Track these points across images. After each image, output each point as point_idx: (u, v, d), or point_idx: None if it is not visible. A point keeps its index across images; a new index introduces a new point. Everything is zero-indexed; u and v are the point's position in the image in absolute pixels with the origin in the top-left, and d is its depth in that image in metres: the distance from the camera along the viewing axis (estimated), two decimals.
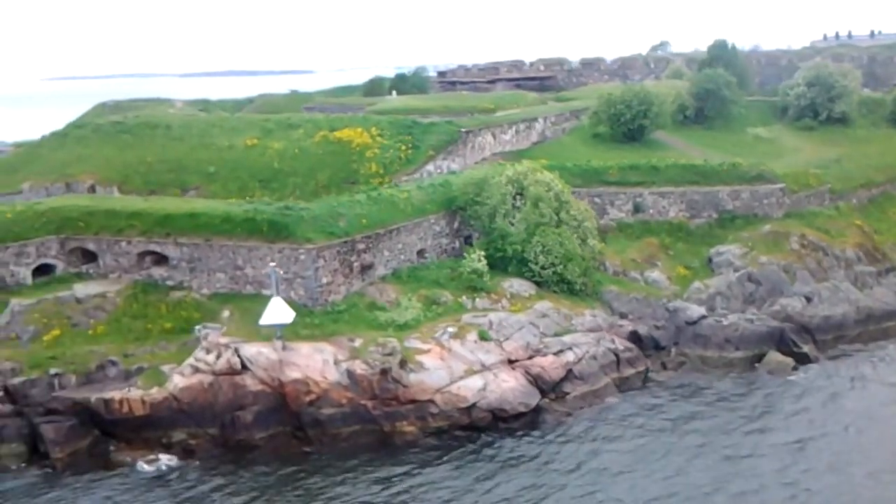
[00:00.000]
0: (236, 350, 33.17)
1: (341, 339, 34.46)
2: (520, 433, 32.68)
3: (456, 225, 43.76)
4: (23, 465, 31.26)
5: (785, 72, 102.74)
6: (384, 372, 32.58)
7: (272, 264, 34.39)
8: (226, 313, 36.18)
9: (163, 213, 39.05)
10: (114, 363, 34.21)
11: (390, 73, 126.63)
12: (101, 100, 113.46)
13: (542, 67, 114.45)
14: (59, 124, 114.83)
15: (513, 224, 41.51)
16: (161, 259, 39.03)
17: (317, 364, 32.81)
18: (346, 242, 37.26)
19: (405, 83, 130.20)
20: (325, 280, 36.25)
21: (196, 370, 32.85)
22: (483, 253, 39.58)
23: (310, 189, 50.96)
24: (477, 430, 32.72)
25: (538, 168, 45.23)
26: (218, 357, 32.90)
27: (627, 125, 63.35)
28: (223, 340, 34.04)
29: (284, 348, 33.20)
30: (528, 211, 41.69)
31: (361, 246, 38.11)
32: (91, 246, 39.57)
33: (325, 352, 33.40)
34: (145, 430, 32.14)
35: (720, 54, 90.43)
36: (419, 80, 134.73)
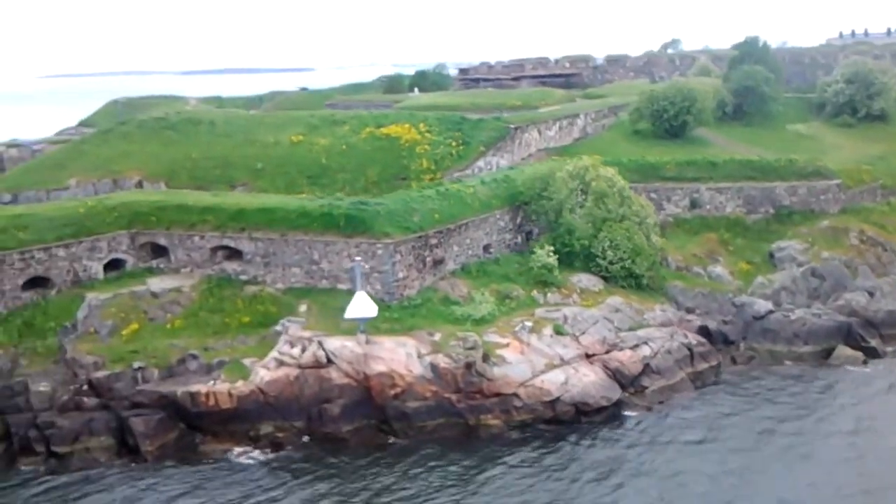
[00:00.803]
0: (320, 343, 33.34)
1: (420, 334, 34.60)
2: (602, 427, 32.80)
3: (518, 220, 43.86)
4: (113, 458, 31.41)
5: (808, 69, 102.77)
6: (469, 366, 32.72)
7: (357, 259, 34.54)
8: (303, 307, 36.33)
9: (236, 207, 39.21)
10: (194, 357, 34.35)
11: (389, 71, 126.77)
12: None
13: (567, 64, 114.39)
14: (63, 121, 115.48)
15: (577, 219, 41.60)
16: (233, 254, 39.19)
17: (401, 358, 32.94)
18: (420, 237, 37.40)
19: (425, 80, 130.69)
20: (401, 274, 36.39)
21: (281, 363, 33.00)
22: (552, 248, 39.69)
23: (360, 185, 51.07)
24: (559, 423, 32.86)
25: (598, 163, 45.33)
26: (303, 350, 33.05)
27: (670, 121, 63.24)
28: (305, 334, 34.22)
29: (368, 342, 33.35)
30: (593, 206, 41.80)
31: (434, 241, 38.23)
32: (162, 241, 39.75)
33: (408, 345, 33.53)
34: (232, 423, 32.26)
35: (751, 51, 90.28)
36: (439, 78, 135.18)
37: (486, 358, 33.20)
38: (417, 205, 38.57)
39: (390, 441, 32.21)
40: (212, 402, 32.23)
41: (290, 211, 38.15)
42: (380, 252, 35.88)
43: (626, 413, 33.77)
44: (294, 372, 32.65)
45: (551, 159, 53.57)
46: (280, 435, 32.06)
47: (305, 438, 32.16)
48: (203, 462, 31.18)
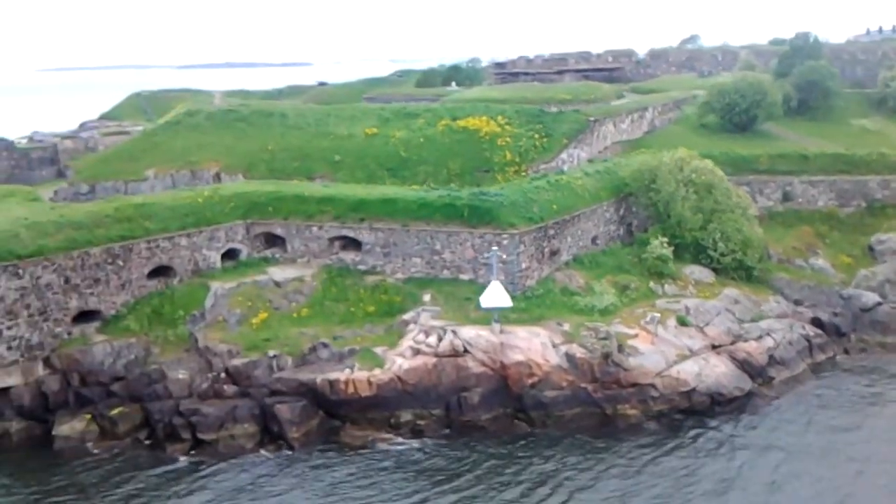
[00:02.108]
0: (454, 332, 33.60)
1: (549, 324, 34.85)
2: (736, 417, 33.01)
3: (622, 212, 44.08)
4: (258, 445, 31.68)
5: (847, 65, 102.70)
6: (606, 356, 32.96)
7: (494, 248, 34.76)
8: (426, 297, 36.58)
9: (355, 198, 39.44)
10: (325, 345, 34.61)
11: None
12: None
13: (610, 59, 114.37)
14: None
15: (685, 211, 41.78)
16: (349, 243, 39.47)
17: (536, 347, 33.19)
18: (540, 228, 37.61)
19: (459, 74, 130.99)
20: (524, 265, 36.61)
21: (417, 352, 33.25)
22: (665, 239, 39.90)
23: (442, 177, 51.29)
24: (694, 413, 33.10)
25: (695, 156, 45.51)
26: (439, 339, 33.30)
27: (741, 115, 63.45)
28: (436, 323, 34.49)
29: (502, 331, 33.61)
30: (701, 198, 41.99)
31: (552, 232, 38.45)
32: (279, 231, 40.01)
33: (541, 335, 33.79)
34: (371, 410, 32.51)
35: (802, 46, 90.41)
36: (472, 72, 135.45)
37: (620, 348, 33.43)
38: (535, 195, 38.76)
39: (528, 430, 32.47)
40: (351, 389, 32.49)
41: (410, 201, 38.37)
42: (505, 242, 36.09)
43: (757, 403, 34.00)
44: (431, 360, 32.90)
45: (640, 152, 53.56)
46: (420, 423, 32.31)
47: (444, 426, 32.45)
48: (347, 449, 31.43)
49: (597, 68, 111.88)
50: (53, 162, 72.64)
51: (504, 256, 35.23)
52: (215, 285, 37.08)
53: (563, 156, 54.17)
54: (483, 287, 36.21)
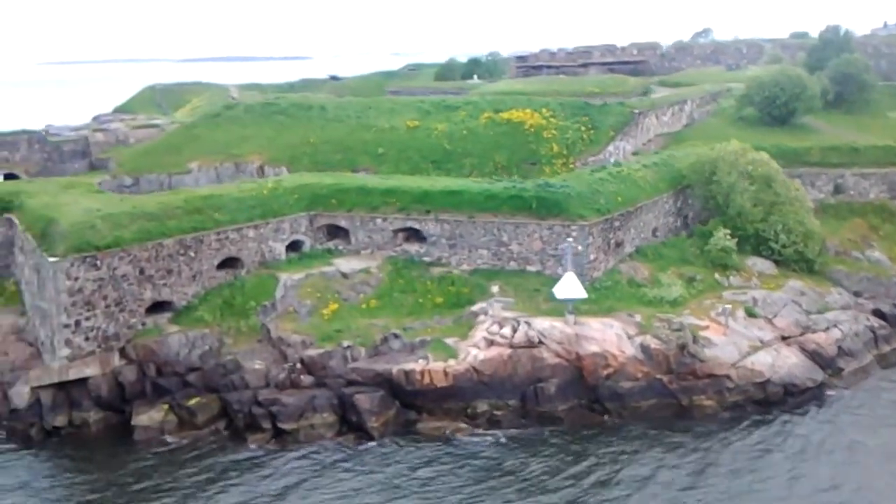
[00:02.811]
0: (528, 324, 33.74)
1: (621, 315, 34.97)
2: (810, 408, 33.13)
3: (679, 204, 44.13)
4: (337, 434, 31.85)
5: (871, 58, 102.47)
6: (682, 347, 33.08)
7: (569, 240, 34.86)
8: (494, 289, 36.69)
9: (419, 190, 39.54)
10: (396, 336, 34.73)
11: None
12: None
13: (635, 52, 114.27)
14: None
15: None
16: (412, 235, 39.60)
17: (611, 338, 33.31)
18: (607, 220, 37.71)
19: (479, 67, 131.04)
20: (592, 256, 36.71)
21: (491, 343, 33.39)
22: (728, 231, 39.97)
23: (488, 170, 51.36)
24: (769, 404, 33.20)
25: (749, 148, 45.52)
26: (514, 331, 33.44)
27: (780, 108, 63.33)
28: (508, 314, 34.62)
29: (576, 323, 33.73)
30: (759, 190, 42.05)
31: (617, 223, 38.55)
32: (343, 222, 40.14)
33: (615, 327, 33.91)
34: (446, 401, 32.65)
35: (832, 39, 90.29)
36: (493, 65, 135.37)
37: (695, 339, 33.54)
38: (600, 187, 38.83)
39: (603, 420, 32.62)
40: (427, 380, 32.64)
41: (476, 193, 38.46)
42: (574, 234, 36.18)
43: (828, 394, 34.11)
44: (506, 351, 33.03)
45: (691, 144, 53.73)
46: (497, 413, 32.45)
47: (520, 417, 32.58)
48: (425, 439, 31.61)
49: (622, 61, 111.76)
50: (85, 154, 72.58)
51: (579, 248, 35.29)
52: (284, 276, 37.25)
53: (610, 148, 54.22)
54: (551, 279, 36.50)
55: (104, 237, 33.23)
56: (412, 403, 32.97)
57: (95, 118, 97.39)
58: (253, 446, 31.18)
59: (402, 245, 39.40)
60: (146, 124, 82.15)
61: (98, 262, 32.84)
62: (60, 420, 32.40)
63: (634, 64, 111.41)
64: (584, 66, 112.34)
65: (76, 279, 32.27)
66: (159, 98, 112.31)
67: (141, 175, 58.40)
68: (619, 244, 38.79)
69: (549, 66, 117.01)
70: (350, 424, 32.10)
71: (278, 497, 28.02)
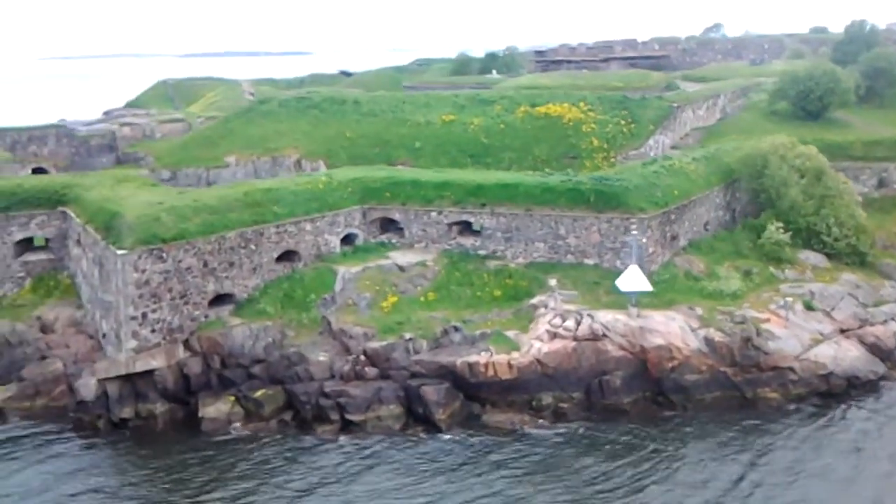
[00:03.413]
0: (591, 316, 33.83)
1: (682, 308, 35.05)
2: (873, 400, 33.19)
3: (728, 197, 44.17)
4: (404, 426, 31.99)
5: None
6: (747, 340, 33.16)
7: (634, 233, 34.94)
8: (552, 282, 36.75)
9: (474, 183, 39.60)
10: (457, 329, 34.81)
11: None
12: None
13: (656, 46, 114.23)
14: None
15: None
16: (465, 228, 39.70)
17: (675, 331, 33.40)
18: (665, 213, 37.76)
19: (496, 62, 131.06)
20: (650, 249, 36.78)
21: (554, 335, 33.49)
22: (782, 225, 40.00)
23: (527, 164, 51.51)
24: (832, 396, 33.27)
25: (796, 142, 45.53)
26: (577, 323, 33.54)
27: (814, 102, 63.28)
28: (569, 307, 34.71)
29: (639, 315, 33.82)
30: (809, 183, 42.08)
31: (673, 216, 38.60)
32: (396, 216, 40.24)
33: (678, 319, 34.00)
34: (511, 393, 32.78)
35: (858, 34, 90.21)
36: (510, 60, 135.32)
37: (758, 332, 33.61)
38: (655, 180, 38.87)
39: (668, 413, 32.71)
40: (491, 372, 32.75)
41: (532, 186, 38.54)
42: (634, 227, 36.25)
43: (889, 386, 34.18)
44: (570, 344, 33.14)
45: (733, 138, 53.73)
46: (563, 406, 32.57)
47: (585, 410, 32.67)
48: (492, 431, 31.71)
49: (643, 56, 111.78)
50: (112, 149, 72.88)
51: (644, 240, 35.38)
52: (342, 269, 37.37)
53: (650, 142, 54.32)
54: (609, 272, 36.65)
55: (169, 230, 33.37)
56: (475, 396, 33.09)
57: (107, 113, 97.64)
58: (321, 437, 31.36)
59: (456, 238, 39.48)
60: (172, 119, 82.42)
61: (164, 255, 32.99)
62: (127, 412, 32.59)
63: (656, 59, 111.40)
64: (606, 60, 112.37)
65: (143, 271, 32.43)
66: (171, 93, 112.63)
67: (178, 169, 58.70)
68: (674, 237, 38.86)
69: (568, 61, 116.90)
70: (416, 416, 32.25)
71: (349, 487, 28.15)
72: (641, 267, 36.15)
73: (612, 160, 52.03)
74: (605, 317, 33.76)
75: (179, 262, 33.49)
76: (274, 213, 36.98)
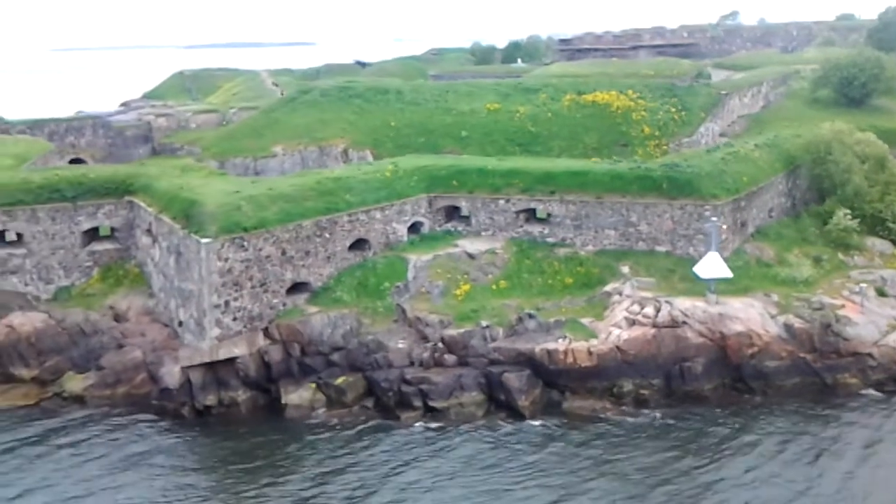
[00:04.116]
0: (669, 303, 33.88)
1: (758, 294, 35.07)
2: None
3: (789, 184, 44.07)
4: (486, 413, 32.19)
5: None
6: (826, 326, 33.17)
7: (713, 219, 34.90)
8: (625, 269, 36.81)
9: (541, 171, 39.62)
10: (531, 316, 34.92)
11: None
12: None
13: (685, 34, 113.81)
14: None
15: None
16: (532, 216, 39.75)
17: (755, 318, 33.44)
18: (736, 199, 37.72)
19: (518, 51, 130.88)
20: (723, 236, 36.75)
21: (633, 323, 33.58)
22: (849, 212, 39.92)
23: (577, 152, 51.47)
24: None
25: (853, 129, 45.37)
26: (657, 311, 33.60)
27: (858, 89, 63.03)
28: (646, 294, 34.77)
29: (717, 302, 33.85)
30: (872, 170, 41.98)
31: (743, 203, 38.55)
32: (463, 204, 40.31)
33: (756, 306, 34.03)
34: (590, 380, 32.91)
35: (893, 21, 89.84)
36: (532, 48, 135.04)
37: (837, 318, 33.62)
38: (724, 167, 38.78)
39: (749, 399, 32.78)
40: (570, 359, 32.88)
41: (601, 174, 38.52)
42: (707, 213, 36.21)
43: None
44: (650, 331, 33.22)
45: (784, 126, 53.58)
46: (643, 392, 32.67)
47: (666, 396, 32.77)
48: (573, 418, 31.86)
49: (671, 44, 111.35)
50: (147, 139, 73.11)
51: (724, 227, 35.37)
52: (413, 258, 37.47)
53: (701, 129, 54.24)
54: (682, 259, 36.73)
55: (249, 218, 33.54)
56: (554, 383, 33.24)
57: (124, 104, 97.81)
58: (405, 424, 31.58)
59: (523, 226, 39.52)
60: (206, 109, 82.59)
61: (245, 244, 33.17)
62: (211, 399, 32.85)
63: (685, 46, 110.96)
64: (634, 48, 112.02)
65: (226, 260, 32.62)
66: (189, 83, 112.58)
67: (225, 159, 58.73)
68: (743, 224, 38.82)
69: (595, 49, 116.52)
70: (498, 403, 32.44)
71: (437, 473, 28.39)
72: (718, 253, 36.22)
73: (665, 148, 51.96)
74: (684, 304, 33.81)
75: (259, 250, 33.65)
76: (346, 201, 37.08)
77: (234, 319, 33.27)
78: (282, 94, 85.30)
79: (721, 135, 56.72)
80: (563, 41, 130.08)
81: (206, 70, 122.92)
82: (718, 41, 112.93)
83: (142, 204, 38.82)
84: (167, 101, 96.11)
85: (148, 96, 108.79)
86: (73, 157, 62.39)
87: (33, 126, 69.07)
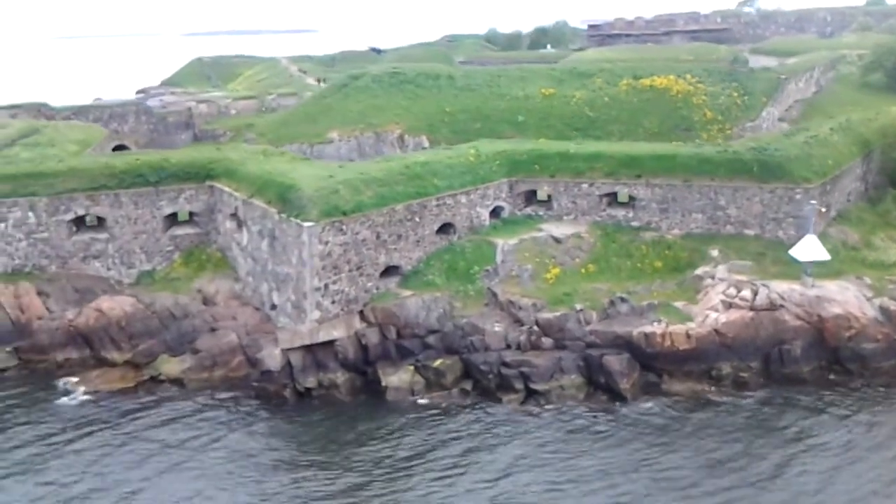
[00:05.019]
0: (766, 286, 33.91)
1: (850, 277, 35.10)
2: None
3: (864, 168, 43.99)
4: (587, 396, 32.35)
5: None
6: None
7: (812, 202, 34.89)
8: (714, 253, 36.85)
9: (626, 154, 39.62)
10: (623, 300, 34.99)
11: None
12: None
13: (718, 20, 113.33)
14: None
15: None
16: (614, 200, 39.77)
17: (851, 300, 33.47)
18: (824, 183, 37.68)
19: (546, 37, 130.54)
20: (813, 219, 36.72)
21: (730, 306, 33.63)
22: None
23: (638, 136, 51.29)
24: None
25: None
26: (754, 294, 33.65)
27: None
28: (741, 278, 34.81)
29: (813, 285, 33.89)
30: None
31: (828, 187, 38.52)
32: (545, 188, 40.33)
33: (851, 289, 34.05)
34: (687, 363, 33.00)
35: None
36: (559, 34, 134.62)
37: None
38: (809, 150, 38.71)
39: (846, 381, 32.84)
40: (668, 342, 32.97)
41: (688, 157, 38.50)
42: (798, 197, 36.24)
43: None
44: (748, 314, 33.28)
45: (849, 110, 53.39)
46: (742, 375, 32.75)
47: (763, 379, 32.85)
48: (675, 399, 31.98)
49: (705, 29, 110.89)
50: (188, 126, 73.29)
51: (823, 210, 35.36)
52: (499, 242, 37.56)
53: (763, 114, 54.06)
54: (772, 242, 36.79)
55: (347, 202, 33.64)
56: (650, 366, 33.33)
57: (142, 91, 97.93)
58: (507, 406, 31.75)
59: (606, 210, 39.56)
60: (245, 96, 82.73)
61: (344, 227, 33.28)
62: (311, 381, 33.04)
63: (718, 31, 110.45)
64: (668, 34, 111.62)
65: (326, 243, 32.75)
66: (208, 70, 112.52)
67: (281, 145, 58.73)
68: (828, 207, 38.80)
69: (626, 35, 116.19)
70: (598, 385, 32.57)
71: (545, 454, 28.59)
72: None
73: (728, 132, 51.79)
74: (781, 286, 33.85)
75: (357, 234, 33.77)
76: (435, 185, 37.15)
77: (333, 302, 33.43)
78: (318, 81, 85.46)
79: (780, 119, 56.61)
80: (591, 26, 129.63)
81: (223, 57, 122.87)
82: (753, 26, 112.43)
83: (226, 188, 38.94)
84: (187, 88, 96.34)
85: (166, 83, 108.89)
86: (117, 143, 62.59)
87: (78, 112, 69.36)
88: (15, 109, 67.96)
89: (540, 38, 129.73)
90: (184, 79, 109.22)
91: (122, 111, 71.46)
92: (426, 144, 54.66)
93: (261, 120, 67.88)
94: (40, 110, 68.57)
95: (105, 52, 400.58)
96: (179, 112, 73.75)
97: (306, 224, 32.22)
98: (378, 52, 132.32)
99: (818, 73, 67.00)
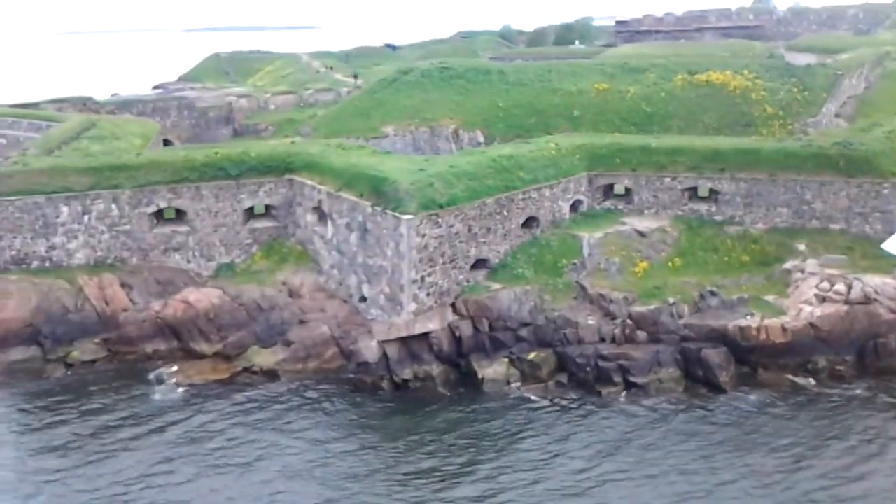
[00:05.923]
0: (860, 280, 33.94)
1: None
2: None
3: None
4: (686, 389, 32.43)
5: None
6: None
7: None
8: (801, 247, 36.88)
9: (709, 149, 39.65)
10: (713, 293, 35.03)
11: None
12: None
13: (750, 16, 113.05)
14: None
15: None
16: (695, 194, 39.80)
17: None
18: None
19: (571, 33, 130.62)
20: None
21: (823, 300, 33.66)
22: None
23: (697, 131, 51.23)
24: None
25: None
26: (849, 288, 33.68)
27: None
28: (833, 272, 34.83)
29: None
30: None
31: None
32: (626, 182, 40.38)
33: None
34: (782, 356, 33.05)
35: None
36: (585, 30, 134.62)
37: None
38: (893, 144, 38.68)
39: None
40: (763, 336, 33.01)
41: (772, 151, 38.52)
42: (885, 192, 36.25)
43: None
44: (843, 308, 33.30)
45: None
46: (838, 368, 32.80)
47: (858, 371, 32.87)
48: (773, 391, 32.00)
49: (737, 26, 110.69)
50: (228, 121, 73.58)
51: None
52: (585, 235, 37.63)
53: (823, 110, 54.01)
54: (858, 237, 36.74)
55: (442, 195, 33.74)
56: (745, 359, 33.38)
57: (159, 86, 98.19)
58: (607, 399, 31.84)
59: (688, 204, 39.59)
60: (284, 91, 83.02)
61: (439, 220, 33.38)
62: (408, 373, 33.18)
63: (751, 28, 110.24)
64: (699, 30, 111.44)
65: (423, 236, 32.86)
66: (225, 66, 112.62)
67: (336, 139, 58.97)
68: None
69: (656, 31, 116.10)
70: (695, 378, 32.65)
71: (648, 447, 28.67)
72: (891, 231, 36.24)
73: (790, 128, 51.80)
74: (874, 280, 33.87)
75: (451, 227, 33.89)
76: (521, 179, 37.25)
77: (428, 295, 33.56)
78: (355, 77, 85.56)
79: (836, 115, 56.56)
80: (619, 23, 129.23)
81: (240, 53, 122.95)
82: (785, 23, 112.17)
83: (308, 182, 39.06)
84: (206, 83, 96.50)
85: (184, 78, 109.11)
86: (162, 137, 62.78)
87: (121, 106, 69.69)
88: (60, 103, 68.44)
89: (565, 34, 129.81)
90: (201, 73, 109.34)
91: (165, 105, 71.84)
92: (481, 139, 54.81)
93: (301, 114, 68.17)
94: (86, 104, 68.97)
95: (108, 49, 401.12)
96: (220, 107, 74.08)
97: (405, 217, 32.34)
98: (393, 48, 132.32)
99: (867, 70, 66.88)
